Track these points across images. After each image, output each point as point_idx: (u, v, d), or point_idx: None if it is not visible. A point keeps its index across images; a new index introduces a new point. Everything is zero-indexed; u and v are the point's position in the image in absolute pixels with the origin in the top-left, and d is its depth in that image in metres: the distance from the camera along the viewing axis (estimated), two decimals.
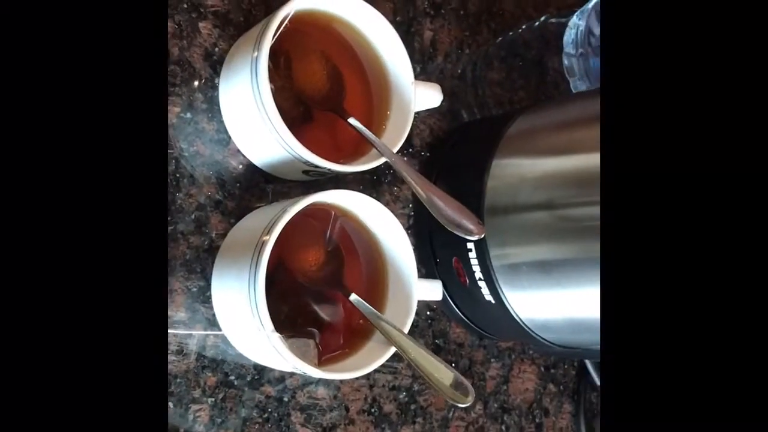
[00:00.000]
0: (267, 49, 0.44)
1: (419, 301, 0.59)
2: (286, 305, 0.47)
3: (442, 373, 0.45)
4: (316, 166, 0.46)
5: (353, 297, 0.47)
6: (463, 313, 0.59)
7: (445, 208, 0.46)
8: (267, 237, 0.43)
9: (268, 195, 0.52)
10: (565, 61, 0.73)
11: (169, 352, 0.47)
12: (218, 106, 0.50)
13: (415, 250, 0.59)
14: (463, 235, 0.46)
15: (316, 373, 0.44)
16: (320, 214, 0.49)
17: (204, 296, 0.49)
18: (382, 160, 0.48)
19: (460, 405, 0.45)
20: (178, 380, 0.47)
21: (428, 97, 0.52)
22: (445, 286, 0.58)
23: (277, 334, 0.42)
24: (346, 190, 0.46)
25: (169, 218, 0.48)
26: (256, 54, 0.45)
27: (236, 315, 0.46)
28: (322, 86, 0.50)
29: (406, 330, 0.48)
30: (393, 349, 0.46)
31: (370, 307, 0.47)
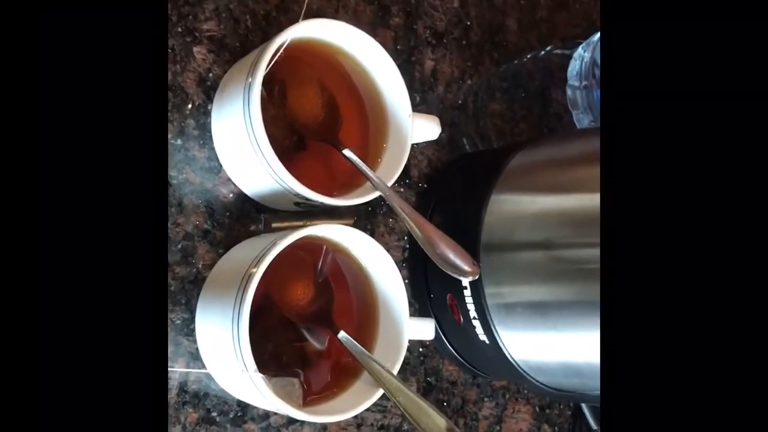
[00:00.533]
0: (261, 77, 0.43)
1: (413, 340, 0.58)
2: (271, 342, 0.46)
3: (433, 420, 0.43)
4: (308, 199, 0.45)
5: (342, 334, 0.46)
6: (456, 351, 0.58)
7: (439, 246, 0.45)
8: (254, 270, 0.41)
9: (259, 225, 0.51)
10: (569, 93, 0.72)
11: None
12: (210, 133, 0.49)
13: (409, 284, 0.57)
14: (457, 276, 0.45)
15: (299, 415, 0.42)
16: (311, 247, 0.48)
17: (188, 329, 0.47)
18: (377, 193, 0.47)
19: None
20: None
21: (426, 129, 0.51)
22: (438, 323, 0.57)
23: (260, 375, 0.41)
24: (338, 225, 0.45)
25: None
26: (249, 81, 0.43)
27: (219, 351, 0.44)
28: (317, 115, 0.49)
29: (396, 370, 0.46)
30: (381, 391, 0.45)
31: (358, 345, 0.45)
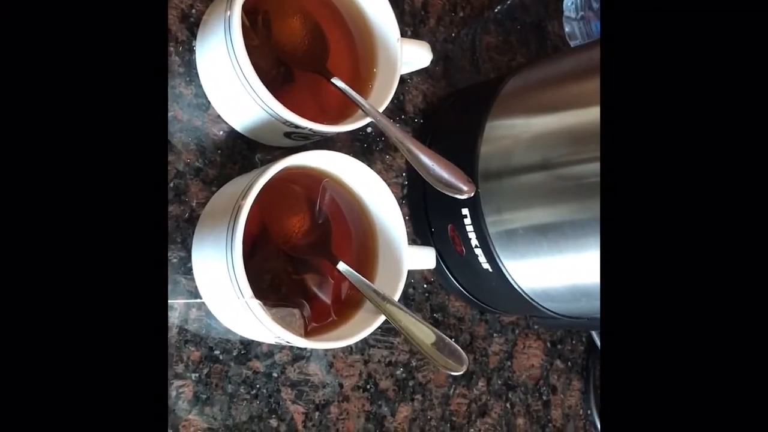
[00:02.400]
0: (240, 5, 0.42)
1: (416, 273, 0.57)
2: (269, 274, 0.45)
3: (432, 340, 0.43)
4: (297, 126, 0.44)
5: (341, 265, 0.45)
6: (461, 285, 0.57)
7: (433, 166, 0.44)
8: (243, 201, 0.41)
9: (253, 162, 0.50)
10: (566, 26, 0.70)
11: None
12: (196, 70, 0.48)
13: (409, 220, 0.57)
14: (453, 195, 0.44)
15: (300, 342, 0.42)
16: (306, 180, 0.47)
17: (185, 267, 0.47)
18: (367, 120, 0.46)
19: (454, 373, 0.43)
20: None
21: (416, 55, 0.50)
22: (441, 256, 0.56)
23: (257, 301, 0.40)
24: (328, 151, 0.44)
25: None
26: (228, 13, 0.42)
27: (216, 283, 0.44)
28: (303, 45, 0.48)
29: (397, 296, 0.45)
30: (382, 317, 0.44)
31: (357, 275, 0.45)
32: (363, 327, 0.44)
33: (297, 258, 0.46)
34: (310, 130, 0.44)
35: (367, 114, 0.46)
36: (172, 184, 0.47)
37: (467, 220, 0.52)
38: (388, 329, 0.54)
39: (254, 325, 0.42)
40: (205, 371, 0.47)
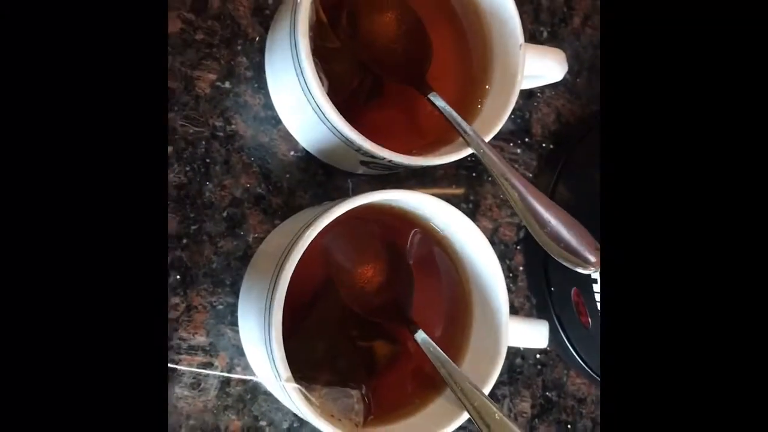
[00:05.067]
0: None
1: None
2: (326, 340, 0.35)
3: None
4: (373, 157, 0.34)
5: (419, 335, 0.35)
6: (584, 360, 0.44)
7: (550, 223, 0.32)
8: (293, 248, 0.31)
9: (329, 191, 0.41)
10: None
11: (181, 385, 0.37)
12: (266, 75, 0.39)
13: (524, 271, 0.45)
14: (574, 267, 0.32)
15: None
16: (388, 220, 0.37)
17: (233, 316, 0.38)
18: (468, 150, 0.35)
19: None
20: (191, 422, 0.37)
21: (545, 67, 0.38)
22: (560, 323, 0.44)
23: (296, 386, 0.31)
24: (416, 193, 0.33)
25: (192, 215, 0.38)
26: (298, 2, 0.33)
27: (256, 350, 0.35)
28: (397, 49, 0.37)
29: (488, 388, 0.34)
30: (466, 415, 0.33)
31: (439, 350, 0.34)
32: (440, 423, 0.34)
33: (365, 320, 0.36)
34: (390, 161, 0.34)
35: (467, 143, 0.35)
36: (225, 214, 0.38)
37: (597, 287, 0.39)
38: None
39: (297, 411, 0.33)
40: None
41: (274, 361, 0.31)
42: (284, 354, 0.30)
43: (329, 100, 0.32)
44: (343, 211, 0.31)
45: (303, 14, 0.32)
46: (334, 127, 0.33)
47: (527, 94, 0.46)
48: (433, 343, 0.35)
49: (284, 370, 0.30)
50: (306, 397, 0.31)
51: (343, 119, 0.32)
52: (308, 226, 0.31)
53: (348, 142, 0.33)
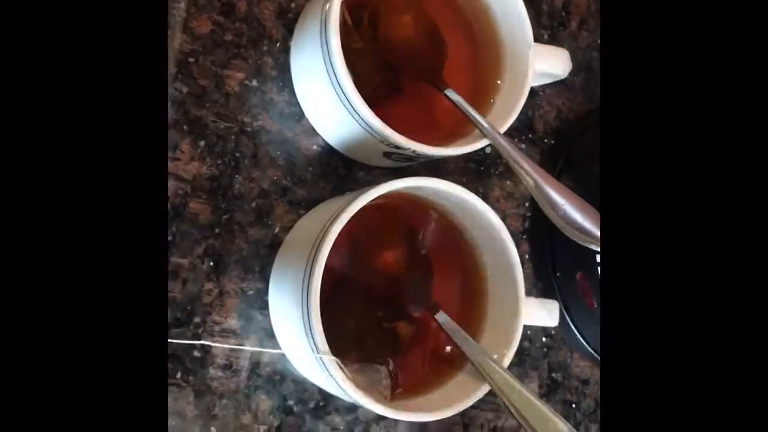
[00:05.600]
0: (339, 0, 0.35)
1: (532, 326, 0.48)
2: (353, 321, 0.38)
3: (553, 426, 0.34)
4: (398, 147, 0.36)
5: (440, 315, 0.37)
6: (588, 343, 0.47)
7: (563, 206, 0.35)
8: (328, 231, 0.33)
9: (349, 183, 0.43)
10: None
11: (215, 366, 0.39)
12: (290, 74, 0.42)
13: (530, 260, 0.48)
14: (586, 243, 0.35)
15: (384, 411, 0.34)
16: (407, 208, 0.39)
17: (262, 301, 0.40)
18: (485, 141, 0.38)
19: None
20: (224, 401, 0.39)
21: (551, 65, 0.41)
22: (566, 307, 0.46)
23: (333, 358, 0.33)
24: (437, 180, 0.36)
25: (223, 206, 0.40)
26: (327, 6, 0.35)
27: (290, 329, 0.37)
28: (415, 48, 0.40)
29: (507, 362, 0.37)
30: (487, 387, 0.36)
31: (458, 328, 0.36)
32: (462, 395, 0.36)
33: (389, 302, 0.39)
34: (414, 151, 0.36)
35: (484, 135, 0.37)
36: (254, 204, 0.41)
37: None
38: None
39: (329, 383, 0.35)
40: (276, 424, 0.40)
41: (312, 334, 0.33)
42: (322, 328, 0.33)
43: (360, 95, 0.34)
44: (374, 197, 0.34)
45: (334, 16, 0.35)
46: (364, 121, 0.35)
47: (530, 93, 0.48)
48: (453, 322, 0.37)
49: (323, 344, 0.33)
50: (341, 369, 0.33)
51: (373, 113, 0.35)
52: (341, 211, 0.34)
53: (376, 135, 0.36)
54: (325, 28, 0.35)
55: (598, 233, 0.34)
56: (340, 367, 0.33)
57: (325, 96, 0.37)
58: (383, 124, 0.35)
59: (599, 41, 0.52)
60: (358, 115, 0.35)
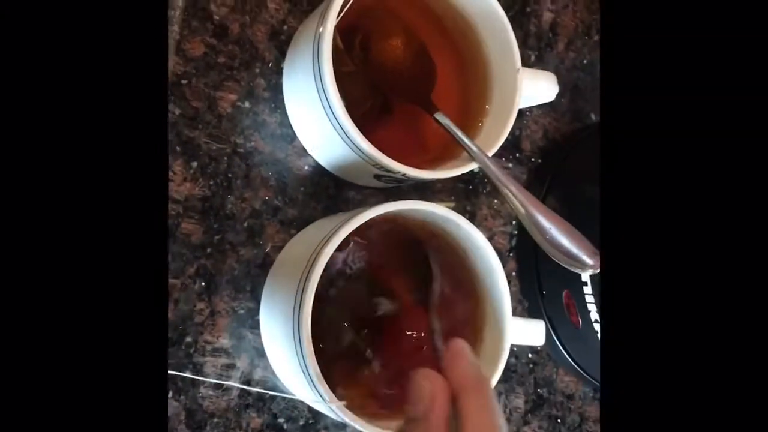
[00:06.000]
0: (332, 24, 0.36)
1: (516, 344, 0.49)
2: (342, 338, 0.38)
3: None
4: (388, 170, 0.37)
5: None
6: (573, 359, 0.48)
7: (550, 230, 0.36)
8: (319, 253, 0.34)
9: (339, 203, 0.44)
10: None
11: (206, 385, 0.39)
12: (283, 95, 0.42)
13: (517, 277, 0.49)
14: (571, 268, 0.35)
15: (371, 430, 0.35)
16: (400, 231, 0.40)
17: (253, 320, 0.41)
18: (473, 165, 0.38)
19: None
20: (216, 420, 0.39)
21: (539, 88, 0.41)
22: (551, 324, 0.47)
23: (337, 400, 0.33)
24: (427, 203, 0.37)
25: (215, 226, 0.40)
26: (320, 30, 0.36)
27: (281, 349, 0.37)
28: (405, 72, 0.41)
29: (495, 379, 0.37)
30: None
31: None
32: None
33: (380, 322, 0.39)
34: (404, 174, 0.37)
35: (473, 158, 0.38)
36: (246, 224, 0.41)
37: (587, 289, 0.43)
38: None
39: (320, 404, 0.35)
40: None
41: (303, 357, 0.34)
42: (312, 348, 0.33)
43: (351, 120, 0.35)
44: (365, 220, 0.35)
45: (327, 40, 0.35)
46: (355, 145, 0.36)
47: (518, 114, 0.49)
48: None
49: (314, 366, 0.33)
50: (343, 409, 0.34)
51: (364, 138, 0.35)
52: (333, 233, 0.34)
53: (367, 158, 0.36)
54: (318, 51, 0.36)
55: (584, 257, 0.35)
56: (342, 408, 0.34)
57: (316, 119, 0.38)
58: (374, 148, 0.35)
59: (585, 61, 0.53)
60: (349, 138, 0.36)
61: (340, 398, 0.33)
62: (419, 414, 0.27)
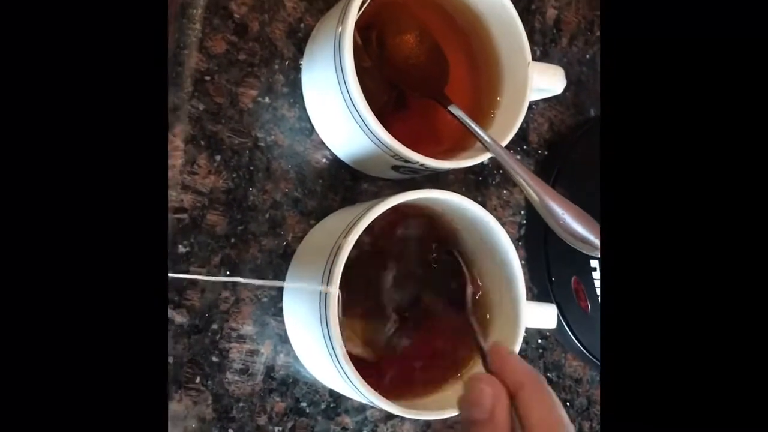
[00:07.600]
0: (352, 22, 0.37)
1: (530, 329, 0.51)
2: (371, 322, 0.40)
3: None
4: (406, 161, 0.38)
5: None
6: (581, 344, 0.50)
7: (563, 216, 0.37)
8: (343, 242, 0.36)
9: (356, 194, 0.45)
10: None
11: (231, 371, 0.41)
12: (301, 90, 0.44)
13: (526, 264, 0.50)
14: (584, 251, 0.37)
15: (398, 410, 0.36)
16: (417, 221, 0.42)
17: (275, 308, 0.42)
18: (487, 155, 0.40)
19: None
20: (241, 404, 0.41)
21: (548, 82, 0.43)
22: (561, 310, 0.49)
23: (352, 367, 0.35)
24: (447, 192, 0.38)
25: (239, 217, 0.42)
26: (340, 29, 0.38)
27: (306, 333, 0.39)
28: (420, 67, 0.42)
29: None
30: None
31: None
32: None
33: (404, 298, 0.41)
34: (421, 165, 0.39)
35: (487, 148, 0.40)
36: (267, 215, 0.43)
37: (596, 274, 0.45)
38: None
39: (347, 386, 0.37)
40: (290, 425, 0.42)
41: (331, 341, 0.35)
42: (341, 335, 0.35)
43: (372, 112, 0.37)
44: (390, 206, 0.36)
45: (348, 38, 0.37)
46: (376, 137, 0.37)
47: None
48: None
49: (341, 349, 0.35)
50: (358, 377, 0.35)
51: (385, 130, 0.37)
52: (358, 219, 0.36)
53: (387, 149, 0.38)
54: (339, 48, 0.37)
55: (595, 240, 0.37)
56: (355, 372, 0.35)
57: (337, 113, 0.39)
58: (394, 139, 0.37)
59: (588, 56, 0.55)
60: (370, 131, 0.37)
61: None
62: (484, 416, 0.28)
